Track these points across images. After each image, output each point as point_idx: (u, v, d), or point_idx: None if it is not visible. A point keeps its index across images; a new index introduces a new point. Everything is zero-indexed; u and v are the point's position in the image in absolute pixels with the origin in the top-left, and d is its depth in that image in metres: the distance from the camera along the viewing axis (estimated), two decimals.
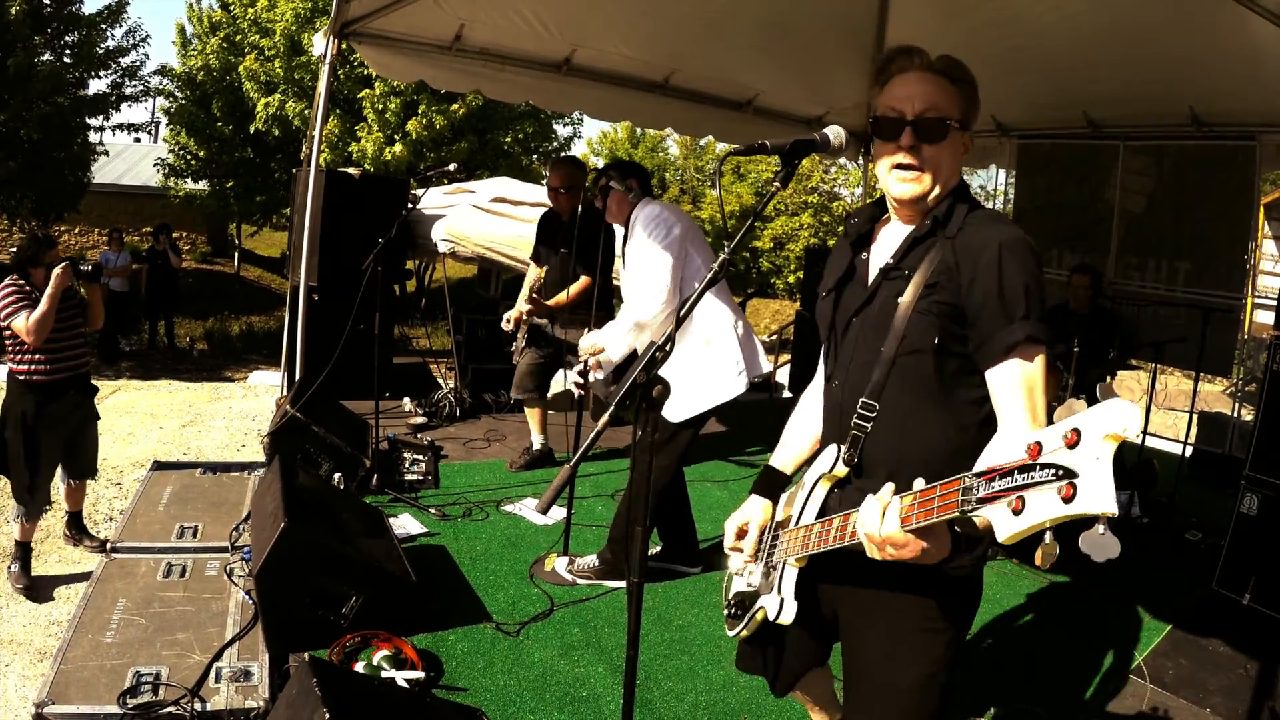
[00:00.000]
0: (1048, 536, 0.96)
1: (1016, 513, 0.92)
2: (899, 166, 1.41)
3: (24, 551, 4.02)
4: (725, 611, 1.76)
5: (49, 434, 3.86)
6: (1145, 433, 5.39)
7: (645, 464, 1.41)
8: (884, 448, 1.44)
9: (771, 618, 1.50)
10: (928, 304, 1.38)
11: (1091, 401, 4.11)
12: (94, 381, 4.23)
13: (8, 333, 3.73)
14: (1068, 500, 0.87)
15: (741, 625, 1.66)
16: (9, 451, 3.82)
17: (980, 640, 3.27)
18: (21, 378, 3.76)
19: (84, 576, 3.66)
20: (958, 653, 1.48)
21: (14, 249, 14.99)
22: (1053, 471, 0.89)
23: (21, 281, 3.79)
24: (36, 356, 3.75)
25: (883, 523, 1.17)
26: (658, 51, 5.70)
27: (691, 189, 24.38)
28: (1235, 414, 6.91)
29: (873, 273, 1.51)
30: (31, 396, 3.77)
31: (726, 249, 1.39)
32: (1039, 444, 0.93)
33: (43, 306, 3.64)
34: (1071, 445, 0.88)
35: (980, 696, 2.76)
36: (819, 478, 1.53)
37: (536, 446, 4.84)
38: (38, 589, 3.97)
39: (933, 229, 1.42)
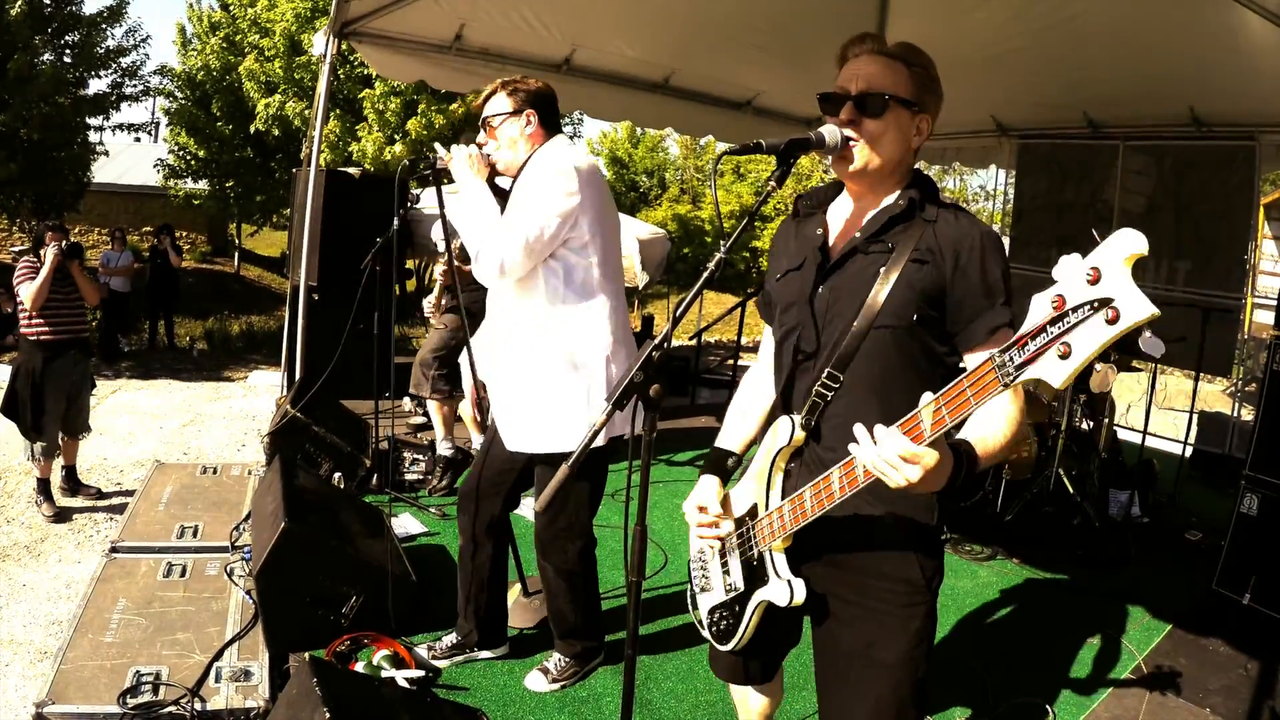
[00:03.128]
0: (1098, 365, 1.06)
1: (1065, 356, 1.00)
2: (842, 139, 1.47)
3: (44, 486, 4.64)
4: (708, 631, 1.72)
5: (53, 386, 4.51)
6: (1145, 433, 5.39)
7: (645, 462, 1.41)
8: (843, 415, 1.46)
9: (785, 604, 1.50)
10: (911, 279, 1.42)
11: (1091, 401, 4.07)
12: (94, 381, 4.49)
13: (19, 299, 4.44)
14: (1113, 321, 0.96)
15: (740, 634, 1.62)
16: (19, 399, 4.48)
17: (980, 639, 3.27)
18: (32, 338, 4.46)
19: (84, 576, 3.67)
20: (935, 620, 1.54)
21: (13, 247, 14.89)
22: (1089, 307, 0.98)
23: (34, 259, 4.47)
24: (41, 320, 4.45)
25: (894, 441, 1.19)
26: (658, 51, 5.69)
27: (691, 189, 24.37)
28: (1235, 414, 6.91)
29: (837, 247, 1.53)
30: (40, 354, 4.47)
31: (723, 248, 1.40)
32: (1061, 296, 1.01)
33: (40, 278, 4.37)
34: (1095, 281, 0.97)
35: (981, 695, 2.76)
36: (776, 454, 1.52)
37: (446, 451, 4.26)
38: (63, 516, 4.62)
39: (909, 211, 1.46)
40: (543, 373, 2.41)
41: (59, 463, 4.80)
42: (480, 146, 2.44)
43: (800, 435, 1.49)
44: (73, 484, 4.88)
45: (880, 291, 1.42)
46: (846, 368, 1.45)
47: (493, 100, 2.44)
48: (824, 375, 1.46)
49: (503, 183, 2.52)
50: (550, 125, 2.44)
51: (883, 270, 1.43)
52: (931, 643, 1.53)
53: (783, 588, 1.51)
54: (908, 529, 1.49)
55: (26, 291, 4.36)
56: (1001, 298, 1.41)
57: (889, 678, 1.49)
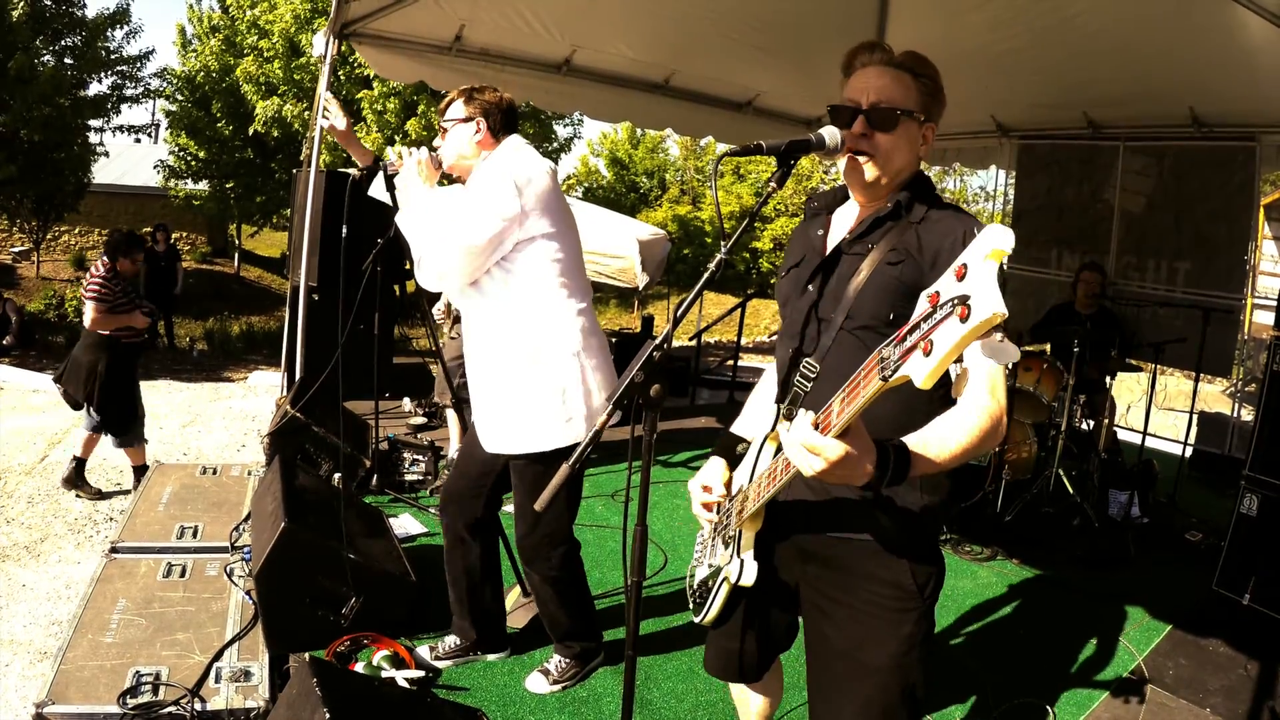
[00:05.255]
0: (954, 369, 1.03)
1: (927, 354, 0.96)
2: (852, 152, 1.48)
3: (142, 471, 4.80)
4: (691, 603, 1.75)
5: (135, 382, 4.84)
6: (1145, 433, 5.39)
7: (645, 463, 1.41)
8: (822, 404, 1.46)
9: (734, 581, 1.51)
10: (885, 279, 1.42)
11: (1091, 401, 4.07)
12: None
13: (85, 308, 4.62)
14: (965, 319, 0.92)
15: (706, 608, 1.64)
16: (112, 398, 4.67)
17: (980, 639, 3.27)
18: (125, 340, 4.71)
19: (84, 576, 3.66)
20: (929, 626, 1.52)
21: (13, 247, 14.75)
22: (950, 304, 0.94)
23: (112, 275, 4.63)
24: (130, 326, 4.74)
25: (800, 432, 1.19)
26: (658, 52, 5.70)
27: (691, 189, 24.37)
28: (1235, 414, 6.91)
29: (830, 246, 1.57)
30: (128, 354, 4.74)
31: (723, 249, 1.40)
32: (937, 292, 0.98)
33: (108, 323, 4.58)
34: (961, 277, 0.94)
35: (980, 695, 2.76)
36: (763, 440, 1.55)
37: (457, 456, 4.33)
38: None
39: (895, 211, 1.48)
40: (512, 373, 2.42)
41: (73, 452, 4.83)
42: (435, 150, 2.49)
43: (783, 426, 1.50)
44: (78, 479, 4.89)
45: (854, 290, 1.44)
46: (824, 359, 1.46)
47: (452, 105, 2.49)
48: (803, 365, 1.48)
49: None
50: (501, 133, 2.48)
51: (859, 272, 1.45)
52: (925, 649, 1.52)
53: (736, 564, 1.52)
54: (898, 529, 1.48)
55: (93, 310, 4.56)
56: None
57: (877, 681, 1.49)
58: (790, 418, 1.49)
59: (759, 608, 1.65)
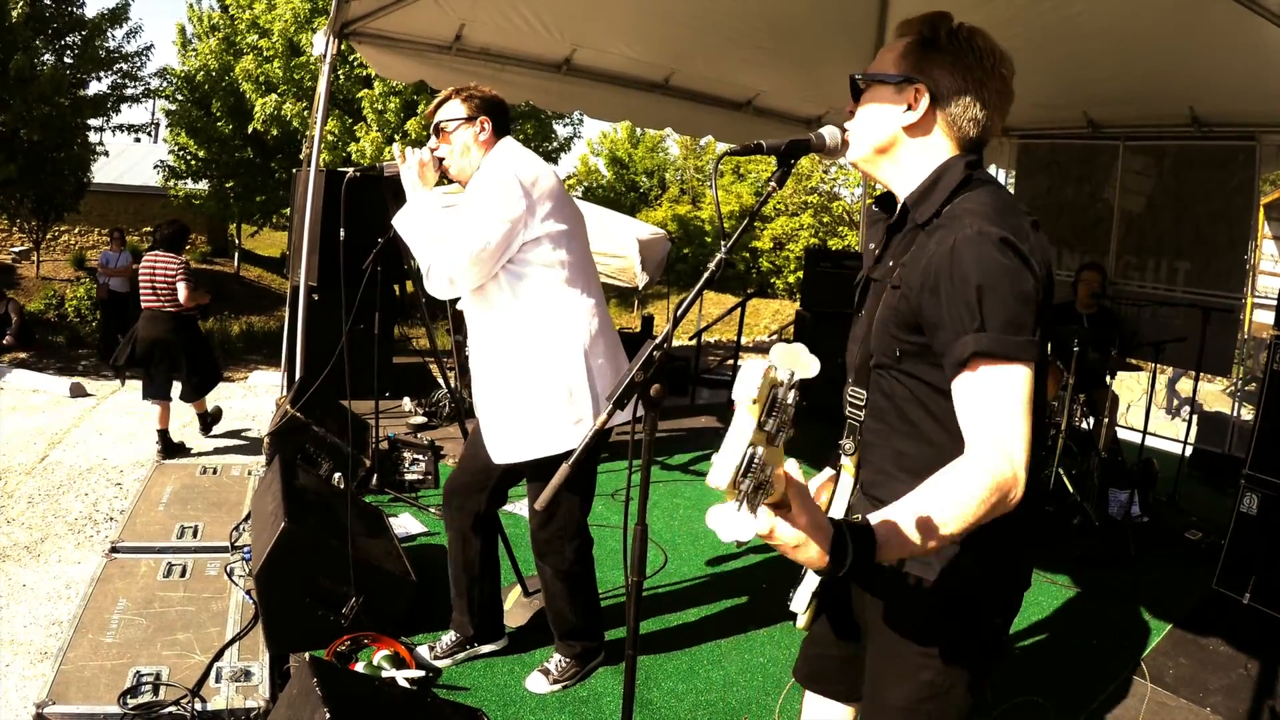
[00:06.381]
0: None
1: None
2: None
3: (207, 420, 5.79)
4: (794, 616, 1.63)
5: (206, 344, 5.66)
6: (1145, 432, 5.39)
7: (645, 462, 1.41)
8: (876, 440, 1.37)
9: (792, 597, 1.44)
10: (886, 310, 1.28)
11: (1091, 400, 4.05)
12: (95, 381, 4.56)
13: (171, 284, 5.18)
14: None
15: (800, 608, 1.49)
16: (211, 361, 5.55)
17: None
18: (197, 317, 5.45)
19: (84, 576, 3.67)
20: (956, 686, 1.34)
21: (13, 247, 14.70)
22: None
23: (186, 264, 5.25)
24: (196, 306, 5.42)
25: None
26: (658, 51, 5.69)
27: (691, 189, 24.37)
28: (1235, 414, 6.91)
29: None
30: (199, 329, 5.53)
31: (723, 249, 1.39)
32: None
33: (194, 298, 5.24)
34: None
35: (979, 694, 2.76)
36: (840, 466, 1.46)
37: None
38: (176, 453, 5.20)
39: (901, 219, 1.31)
40: (520, 377, 2.39)
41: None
42: (432, 151, 2.44)
43: (847, 462, 1.39)
44: (174, 446, 5.32)
45: (864, 325, 1.34)
46: (866, 387, 1.37)
47: (446, 106, 2.44)
48: (850, 393, 1.38)
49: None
50: (501, 133, 2.44)
51: (878, 298, 1.31)
52: (948, 704, 1.36)
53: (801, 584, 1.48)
54: (941, 572, 1.31)
55: (185, 289, 5.17)
56: (974, 321, 1.11)
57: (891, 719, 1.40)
58: (853, 454, 1.40)
59: (848, 617, 1.54)
